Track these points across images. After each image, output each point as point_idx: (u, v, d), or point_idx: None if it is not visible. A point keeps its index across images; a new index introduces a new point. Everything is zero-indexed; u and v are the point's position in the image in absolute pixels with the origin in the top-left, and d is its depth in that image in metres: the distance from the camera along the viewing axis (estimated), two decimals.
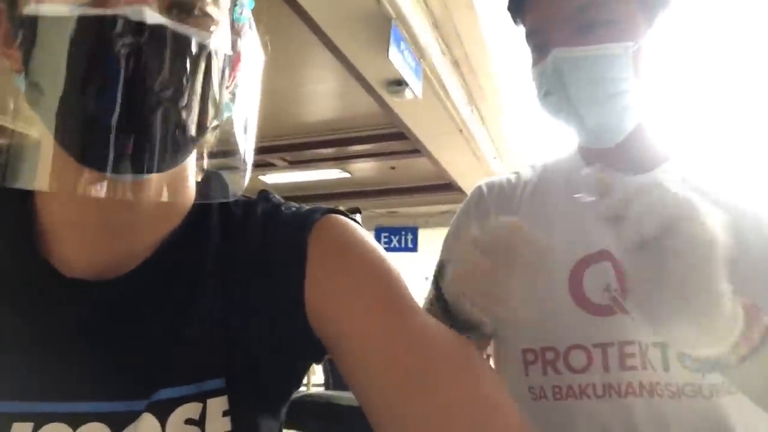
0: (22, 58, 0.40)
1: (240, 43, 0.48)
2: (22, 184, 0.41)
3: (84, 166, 0.38)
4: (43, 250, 0.46)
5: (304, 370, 0.54)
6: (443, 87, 3.41)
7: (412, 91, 3.10)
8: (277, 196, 0.56)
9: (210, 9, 0.43)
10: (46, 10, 0.38)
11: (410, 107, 3.63)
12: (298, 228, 0.50)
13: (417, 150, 4.82)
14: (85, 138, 0.38)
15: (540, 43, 0.70)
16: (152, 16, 0.38)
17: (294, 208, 0.54)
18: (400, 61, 2.75)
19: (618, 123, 0.69)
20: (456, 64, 3.61)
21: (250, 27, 0.49)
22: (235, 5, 0.47)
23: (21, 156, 0.42)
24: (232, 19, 0.47)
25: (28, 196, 0.48)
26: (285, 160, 5.60)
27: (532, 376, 0.72)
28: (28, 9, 0.39)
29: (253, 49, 0.50)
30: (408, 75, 2.91)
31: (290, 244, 0.50)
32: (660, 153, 0.72)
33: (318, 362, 0.52)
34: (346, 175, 6.20)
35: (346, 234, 0.51)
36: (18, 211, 0.47)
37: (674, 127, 0.74)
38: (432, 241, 6.64)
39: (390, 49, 2.61)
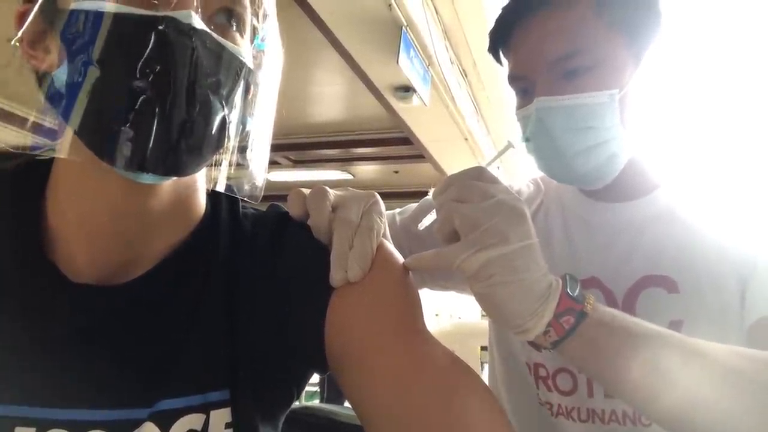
0: (65, 52, 0.40)
1: (259, 65, 0.50)
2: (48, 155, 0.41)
3: (108, 164, 0.39)
4: (50, 253, 0.46)
5: (306, 380, 0.54)
6: (450, 95, 3.42)
7: (420, 98, 3.11)
8: (285, 210, 0.56)
9: (239, 28, 0.45)
10: (94, 6, 0.39)
11: (417, 113, 3.64)
12: (316, 252, 0.50)
13: (421, 155, 4.82)
14: (118, 135, 0.38)
15: (525, 88, 0.69)
16: (198, 22, 0.40)
17: (303, 226, 0.53)
18: (409, 67, 2.76)
19: (605, 169, 0.68)
20: (464, 73, 3.63)
21: (272, 53, 0.51)
22: (258, 32, 0.49)
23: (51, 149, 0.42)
24: (258, 42, 0.49)
25: (39, 198, 0.48)
26: (289, 159, 5.61)
27: (534, 386, 0.74)
28: (77, 4, 0.40)
29: (273, 71, 0.51)
30: (416, 82, 2.92)
31: (312, 268, 0.50)
32: (651, 180, 0.72)
33: (322, 374, 0.52)
34: (349, 176, 6.21)
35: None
36: (28, 212, 0.47)
37: (667, 153, 0.74)
38: None
39: (399, 56, 2.62)
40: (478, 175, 0.55)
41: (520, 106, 0.70)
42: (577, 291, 0.52)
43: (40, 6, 0.42)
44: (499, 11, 0.71)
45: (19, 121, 0.42)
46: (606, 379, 0.54)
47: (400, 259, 0.52)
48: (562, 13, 0.64)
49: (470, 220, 0.51)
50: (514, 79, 0.70)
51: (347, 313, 0.48)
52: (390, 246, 0.53)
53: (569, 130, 0.65)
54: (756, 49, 2.85)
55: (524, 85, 0.69)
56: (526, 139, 0.69)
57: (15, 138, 0.41)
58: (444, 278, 0.84)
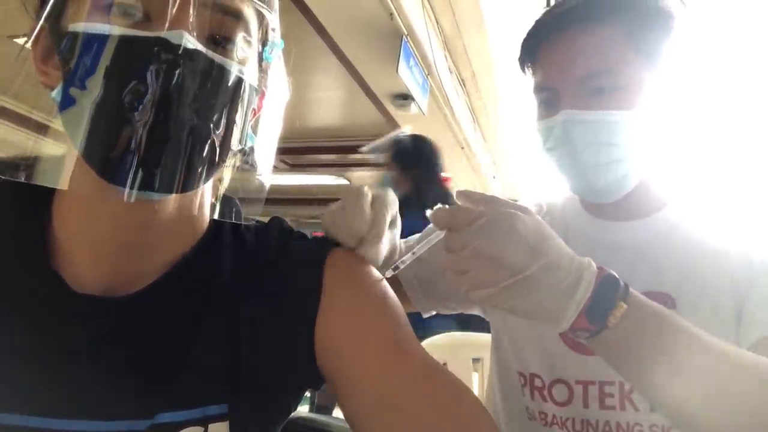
0: (62, 71, 0.41)
1: (266, 80, 0.50)
2: (47, 184, 0.42)
3: (107, 181, 0.39)
4: (55, 264, 0.47)
5: (302, 394, 0.55)
6: (448, 104, 3.44)
7: (418, 106, 3.12)
8: (287, 223, 0.57)
9: (242, 44, 0.45)
10: (90, 27, 0.40)
11: (414, 121, 3.65)
12: (309, 265, 0.52)
13: None
14: (111, 153, 0.39)
15: (548, 100, 0.71)
16: (190, 42, 0.40)
17: (302, 239, 0.55)
18: (408, 76, 2.77)
19: (618, 185, 0.70)
20: (462, 83, 3.65)
21: (279, 65, 0.51)
22: (265, 45, 0.49)
23: (49, 163, 0.43)
24: (262, 57, 0.49)
25: (45, 209, 0.48)
26: (286, 162, 5.61)
27: (526, 397, 0.75)
28: (74, 26, 0.40)
29: (278, 86, 0.51)
30: (415, 90, 2.93)
31: (303, 281, 0.51)
32: (658, 199, 0.74)
33: (317, 389, 0.53)
34: (345, 182, 6.21)
35: (355, 271, 0.52)
36: (35, 224, 0.47)
37: (675, 172, 0.76)
38: None
39: (399, 64, 2.63)
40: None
41: (543, 116, 0.72)
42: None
43: (47, 25, 0.43)
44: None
45: (35, 126, 0.42)
46: (640, 370, 0.53)
47: (384, 283, 0.54)
48: (595, 31, 0.66)
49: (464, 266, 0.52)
50: (540, 89, 0.72)
51: (334, 334, 0.49)
52: (373, 270, 0.54)
53: (592, 144, 0.67)
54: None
55: (549, 96, 0.70)
56: (548, 149, 0.71)
57: (27, 141, 0.42)
58: (454, 301, 0.85)
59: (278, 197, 6.92)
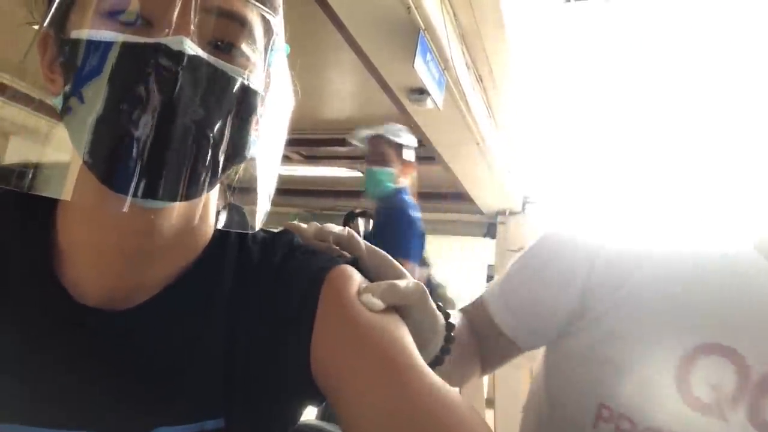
0: (63, 78, 0.41)
1: (270, 85, 0.50)
2: (49, 194, 0.42)
3: (108, 188, 0.40)
4: (58, 273, 0.47)
5: (302, 410, 0.55)
6: (465, 100, 3.41)
7: (434, 101, 3.09)
8: (297, 238, 0.56)
9: (246, 49, 0.45)
10: (89, 34, 0.40)
11: (430, 116, 3.63)
12: (309, 280, 0.51)
13: (432, 157, 4.81)
14: (113, 160, 0.39)
15: None
16: (191, 48, 0.40)
17: (308, 254, 0.54)
18: (424, 71, 2.75)
19: None
20: (479, 79, 3.62)
21: (285, 71, 0.50)
22: (271, 50, 0.49)
23: (51, 170, 0.43)
24: (266, 62, 0.49)
25: (49, 217, 0.48)
26: (300, 154, 5.63)
27: (598, 430, 0.70)
28: (74, 33, 0.41)
29: (284, 92, 0.51)
30: (431, 85, 2.91)
31: (301, 296, 0.51)
32: None
33: (317, 405, 0.52)
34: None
35: (353, 288, 0.51)
36: (38, 231, 0.47)
37: None
38: (438, 248, 6.63)
39: (416, 59, 2.61)
40: None
41: None
42: None
43: (53, 33, 0.43)
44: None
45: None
46: None
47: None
48: None
49: None
50: None
51: (329, 348, 0.48)
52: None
53: None
54: None
55: None
56: None
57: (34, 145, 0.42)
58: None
59: (293, 188, 6.94)
